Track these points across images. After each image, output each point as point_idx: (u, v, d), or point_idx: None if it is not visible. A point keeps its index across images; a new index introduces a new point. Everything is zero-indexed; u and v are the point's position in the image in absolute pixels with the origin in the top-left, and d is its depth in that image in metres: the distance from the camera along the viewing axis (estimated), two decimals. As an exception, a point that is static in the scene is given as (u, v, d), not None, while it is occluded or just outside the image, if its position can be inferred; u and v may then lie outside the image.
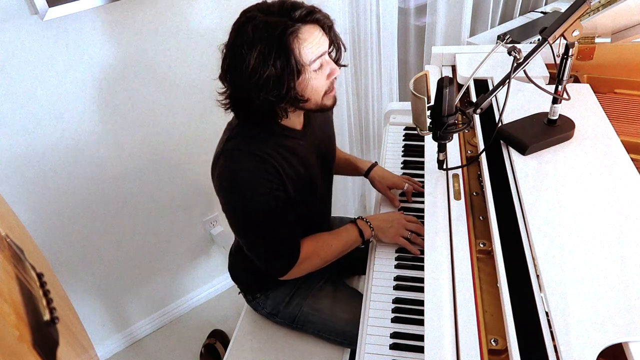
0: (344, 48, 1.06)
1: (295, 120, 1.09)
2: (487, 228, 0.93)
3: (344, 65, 1.10)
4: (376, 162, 1.43)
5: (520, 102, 1.13)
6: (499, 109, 1.18)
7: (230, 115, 1.08)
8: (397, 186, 1.35)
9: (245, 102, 0.99)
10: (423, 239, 1.18)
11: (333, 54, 1.04)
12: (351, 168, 1.44)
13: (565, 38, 0.89)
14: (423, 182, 1.24)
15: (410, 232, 1.19)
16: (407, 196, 1.35)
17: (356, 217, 1.23)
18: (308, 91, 0.99)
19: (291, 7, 0.94)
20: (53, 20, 1.23)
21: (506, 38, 0.86)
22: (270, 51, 0.90)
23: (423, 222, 0.99)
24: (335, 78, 1.03)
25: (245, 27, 0.92)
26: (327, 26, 0.98)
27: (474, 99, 1.22)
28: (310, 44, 0.94)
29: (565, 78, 0.96)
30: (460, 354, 0.75)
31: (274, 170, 1.03)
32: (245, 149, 1.03)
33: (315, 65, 0.97)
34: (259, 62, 0.91)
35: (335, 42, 1.02)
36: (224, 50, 0.98)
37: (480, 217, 0.99)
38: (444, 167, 1.02)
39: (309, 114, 1.13)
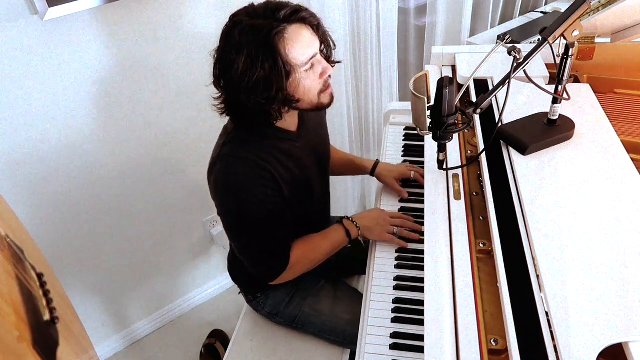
0: (334, 45, 1.05)
1: (290, 121, 1.09)
2: (487, 228, 0.93)
3: (338, 62, 1.10)
4: (378, 159, 1.44)
5: (520, 102, 1.13)
6: (499, 109, 1.18)
7: (222, 118, 1.08)
8: (405, 175, 1.37)
9: (239, 106, 0.99)
10: (410, 231, 1.20)
11: (324, 52, 1.03)
12: (354, 168, 1.45)
13: (565, 38, 0.89)
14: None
15: (397, 227, 1.20)
16: (418, 180, 1.36)
17: (341, 217, 1.24)
18: (300, 91, 0.99)
19: (276, 7, 0.94)
20: (53, 20, 1.23)
21: (506, 38, 0.86)
22: (258, 54, 0.90)
23: (423, 223, 0.99)
24: (329, 76, 1.03)
25: (233, 31, 0.93)
26: (314, 25, 0.98)
27: (474, 99, 1.22)
28: (299, 44, 0.94)
29: (565, 78, 0.96)
30: (460, 354, 0.75)
31: (269, 175, 1.04)
32: (241, 154, 1.03)
33: (307, 65, 0.97)
34: (247, 66, 0.91)
35: (324, 39, 1.02)
36: (215, 56, 0.98)
37: (480, 217, 0.99)
38: (444, 167, 1.02)
39: (303, 116, 1.13)
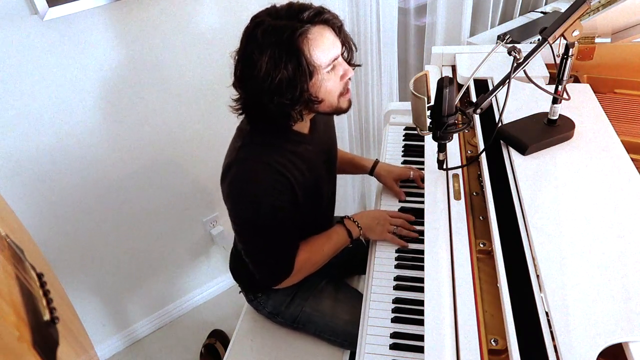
0: (355, 48, 1.06)
1: (303, 124, 1.09)
2: (487, 228, 0.93)
3: (358, 65, 1.10)
4: (377, 159, 1.44)
5: (520, 102, 1.13)
6: (499, 109, 1.18)
7: (232, 117, 1.08)
8: (404, 175, 1.38)
9: (260, 107, 0.99)
10: (410, 230, 1.21)
11: (345, 55, 1.03)
12: (355, 167, 1.45)
13: (565, 38, 0.89)
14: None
15: (396, 226, 1.21)
16: (417, 182, 1.37)
17: (342, 217, 1.24)
18: (322, 92, 0.99)
19: (299, 9, 0.94)
20: (53, 20, 1.23)
21: (506, 38, 0.86)
22: (281, 54, 0.90)
23: (423, 223, 0.99)
24: (349, 79, 1.03)
25: (255, 32, 0.92)
26: (337, 27, 0.98)
27: (474, 99, 1.22)
28: (322, 45, 0.94)
29: (565, 78, 0.96)
30: (460, 354, 0.75)
31: (286, 181, 1.04)
32: (258, 158, 1.03)
33: (329, 67, 0.97)
34: (270, 67, 0.91)
35: (346, 42, 1.02)
36: (236, 57, 0.98)
37: (480, 217, 0.99)
38: (444, 167, 1.02)
39: (314, 118, 1.13)
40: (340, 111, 1.06)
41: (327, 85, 0.98)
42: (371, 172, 1.41)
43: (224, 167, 1.07)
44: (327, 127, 1.24)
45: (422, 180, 1.37)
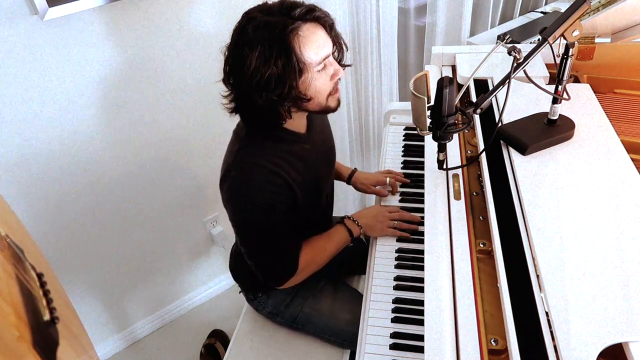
0: (346, 47, 1.06)
1: (299, 123, 1.09)
2: (487, 228, 0.93)
3: (348, 65, 1.10)
4: (355, 168, 1.45)
5: (520, 102, 1.13)
6: (499, 109, 1.18)
7: (232, 117, 1.08)
8: (382, 182, 1.38)
9: (249, 104, 0.99)
10: (409, 222, 1.22)
11: (336, 54, 1.03)
12: (336, 173, 1.46)
13: (565, 38, 0.89)
14: (423, 180, 1.24)
15: (396, 220, 1.21)
16: (393, 189, 1.36)
17: (342, 216, 1.24)
18: (311, 91, 0.99)
19: (291, 6, 0.94)
20: (53, 20, 1.23)
21: (506, 38, 0.86)
22: (271, 50, 0.90)
23: (423, 223, 0.99)
24: (339, 79, 1.03)
25: (246, 27, 0.92)
26: (328, 25, 0.98)
27: (474, 99, 1.22)
28: (313, 43, 0.94)
29: (565, 78, 0.96)
30: (460, 354, 0.75)
31: (282, 181, 1.04)
32: (256, 161, 1.03)
33: (319, 65, 0.97)
34: (260, 62, 0.91)
35: (337, 41, 1.02)
36: (226, 53, 0.98)
37: (480, 217, 0.99)
38: (444, 167, 1.02)
39: (311, 117, 1.13)
40: (328, 110, 1.05)
41: (317, 84, 0.98)
42: (348, 181, 1.42)
43: (222, 171, 1.07)
44: (324, 127, 1.24)
45: (405, 185, 1.38)
